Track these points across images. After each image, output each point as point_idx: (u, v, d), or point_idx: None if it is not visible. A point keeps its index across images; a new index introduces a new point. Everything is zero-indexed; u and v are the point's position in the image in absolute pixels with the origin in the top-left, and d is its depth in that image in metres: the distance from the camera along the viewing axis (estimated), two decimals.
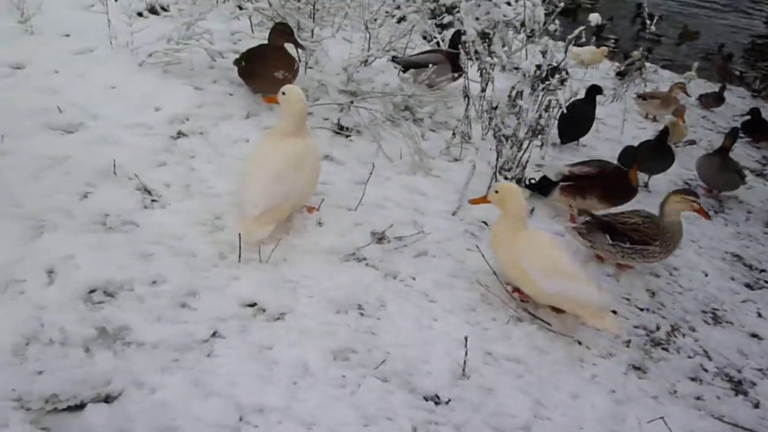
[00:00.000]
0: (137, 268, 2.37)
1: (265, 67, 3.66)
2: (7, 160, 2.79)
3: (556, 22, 3.61)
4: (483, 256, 2.92)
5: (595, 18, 7.93)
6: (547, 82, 3.34)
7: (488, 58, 3.88)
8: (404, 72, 4.20)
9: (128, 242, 2.50)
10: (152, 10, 4.81)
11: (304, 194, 2.91)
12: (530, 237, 2.76)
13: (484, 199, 2.90)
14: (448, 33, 5.98)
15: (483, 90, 4.01)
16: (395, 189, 3.47)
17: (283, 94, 2.83)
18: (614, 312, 2.90)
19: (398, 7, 5.74)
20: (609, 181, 3.54)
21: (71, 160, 2.92)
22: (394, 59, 4.52)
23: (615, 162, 3.61)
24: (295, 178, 2.75)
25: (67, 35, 4.10)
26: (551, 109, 3.41)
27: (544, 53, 3.69)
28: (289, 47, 3.76)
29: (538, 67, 3.62)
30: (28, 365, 1.95)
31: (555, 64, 3.43)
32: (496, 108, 3.43)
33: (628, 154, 3.54)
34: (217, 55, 4.00)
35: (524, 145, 3.70)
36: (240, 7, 3.95)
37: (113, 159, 2.94)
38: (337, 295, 2.58)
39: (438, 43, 5.79)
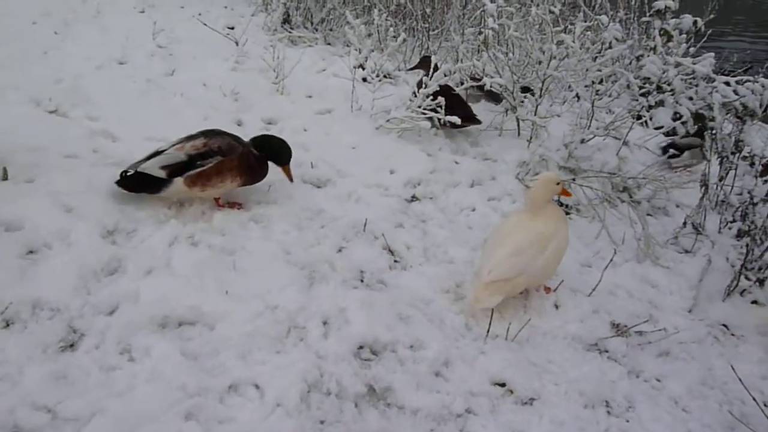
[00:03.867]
0: (398, 329, 2.45)
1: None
2: (275, 210, 3.08)
3: None
4: (734, 370, 2.65)
5: None
6: None
7: (732, 146, 3.63)
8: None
9: (386, 301, 2.60)
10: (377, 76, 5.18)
11: (543, 275, 2.85)
12: None
13: None
14: (657, 112, 5.76)
15: (722, 179, 3.74)
16: (625, 276, 3.30)
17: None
18: None
19: (601, 81, 5.65)
20: None
21: (325, 213, 3.16)
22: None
23: None
24: (535, 256, 2.71)
25: (310, 96, 4.54)
26: None
27: None
28: None
29: None
30: (312, 413, 2.07)
31: None
32: (755, 203, 3.16)
33: None
34: (441, 126, 4.18)
35: None
36: (477, 81, 4.10)
37: (363, 217, 3.13)
38: (583, 388, 2.46)
39: (646, 123, 5.57)
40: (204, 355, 2.18)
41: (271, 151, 3.03)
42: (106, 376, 2.04)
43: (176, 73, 4.49)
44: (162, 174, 2.74)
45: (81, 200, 2.79)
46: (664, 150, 4.71)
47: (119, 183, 2.80)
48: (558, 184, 2.79)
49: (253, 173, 2.98)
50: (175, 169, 2.75)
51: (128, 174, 2.80)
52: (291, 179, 3.11)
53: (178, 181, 2.76)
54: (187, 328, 2.28)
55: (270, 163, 3.07)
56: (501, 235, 2.78)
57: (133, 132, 3.52)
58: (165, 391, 2.00)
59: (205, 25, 5.29)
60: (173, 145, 2.85)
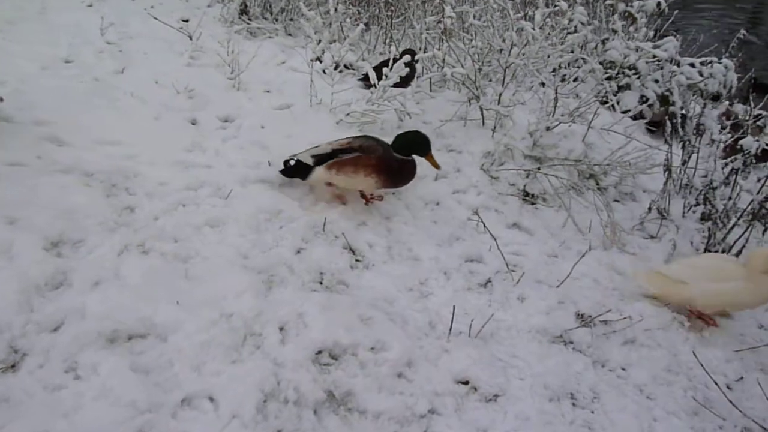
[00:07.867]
0: (359, 332, 2.39)
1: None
2: (231, 212, 2.97)
3: None
4: (695, 356, 2.67)
5: None
6: None
7: (694, 130, 3.63)
8: None
9: (347, 303, 2.54)
10: (336, 68, 5.07)
11: (701, 298, 2.91)
12: None
13: None
14: (624, 96, 5.75)
15: (684, 163, 3.75)
16: (591, 264, 3.28)
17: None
18: None
19: (567, 66, 5.61)
20: None
21: (284, 213, 3.07)
22: None
23: None
24: (702, 278, 2.87)
25: (268, 91, 4.41)
26: None
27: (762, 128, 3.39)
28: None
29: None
30: (270, 423, 2.00)
31: None
32: (714, 188, 3.17)
33: None
34: (406, 116, 4.12)
35: (734, 227, 3.38)
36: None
37: (323, 216, 3.05)
38: (548, 381, 2.44)
39: (613, 107, 5.57)
40: (156, 369, 2.10)
41: (410, 147, 3.14)
42: (51, 397, 1.94)
43: (127, 70, 4.32)
44: (310, 162, 3.14)
45: (25, 211, 2.65)
46: None
47: (282, 171, 3.24)
48: None
49: (393, 175, 3.12)
50: (320, 159, 3.12)
51: (290, 163, 3.20)
52: (437, 167, 3.24)
53: (320, 168, 3.11)
54: (138, 342, 2.19)
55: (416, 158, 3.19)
56: (705, 257, 3.12)
57: (82, 135, 3.36)
58: (114, 408, 1.91)
59: (156, 19, 5.10)
60: (328, 144, 3.19)
